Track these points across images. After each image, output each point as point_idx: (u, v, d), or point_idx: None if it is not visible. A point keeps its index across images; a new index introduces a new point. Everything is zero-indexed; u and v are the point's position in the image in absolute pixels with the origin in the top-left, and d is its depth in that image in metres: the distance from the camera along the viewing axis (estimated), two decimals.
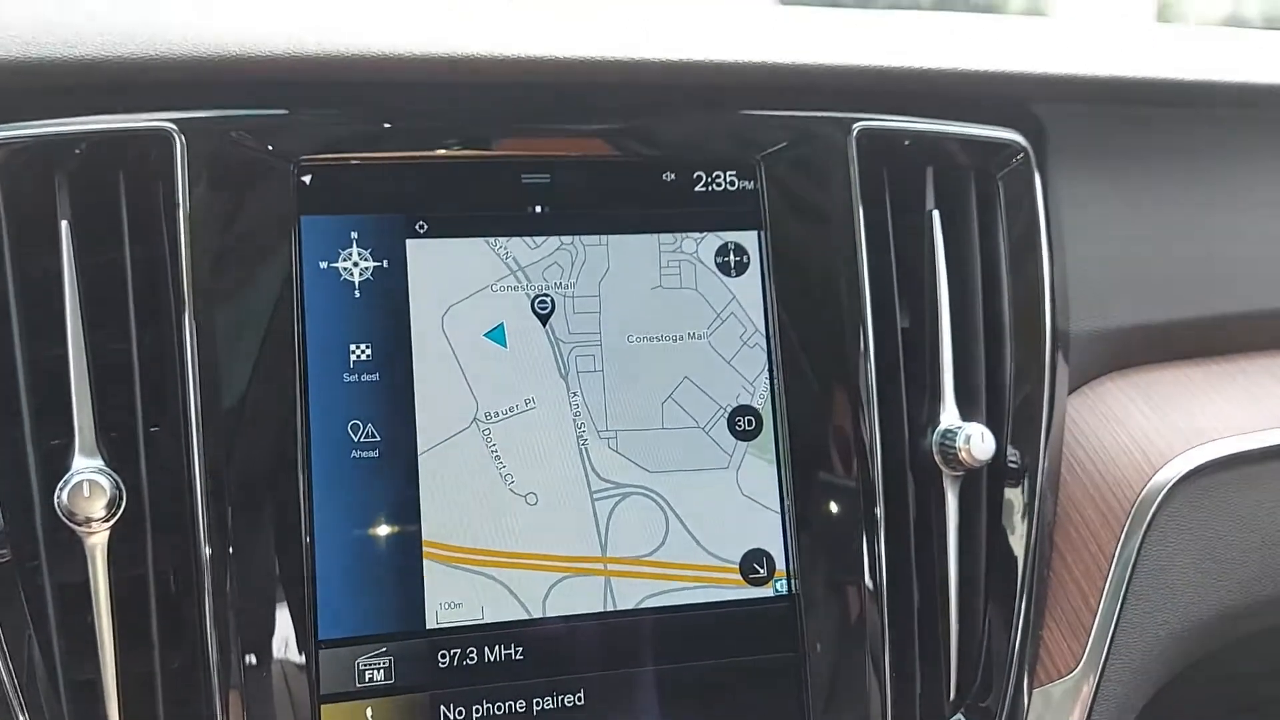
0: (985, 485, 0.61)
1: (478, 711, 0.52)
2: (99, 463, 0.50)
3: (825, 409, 0.58)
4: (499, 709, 0.52)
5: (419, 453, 0.53)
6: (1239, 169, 0.73)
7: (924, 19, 0.73)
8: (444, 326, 0.54)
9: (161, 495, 0.51)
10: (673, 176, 0.58)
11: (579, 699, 0.53)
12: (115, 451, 0.51)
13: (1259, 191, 0.73)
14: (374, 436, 0.53)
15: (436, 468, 0.53)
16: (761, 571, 0.56)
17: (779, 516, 0.56)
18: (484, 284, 0.55)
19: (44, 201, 0.52)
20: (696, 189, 0.58)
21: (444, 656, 0.52)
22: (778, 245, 0.58)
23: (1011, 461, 0.62)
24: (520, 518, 0.54)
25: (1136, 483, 0.63)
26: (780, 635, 0.56)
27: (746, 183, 0.59)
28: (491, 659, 0.53)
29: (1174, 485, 0.63)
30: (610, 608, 0.54)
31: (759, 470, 0.57)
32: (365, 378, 0.53)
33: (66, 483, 0.49)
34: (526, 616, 0.53)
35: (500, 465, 0.54)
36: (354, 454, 0.52)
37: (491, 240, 0.55)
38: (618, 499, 0.55)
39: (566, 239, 0.56)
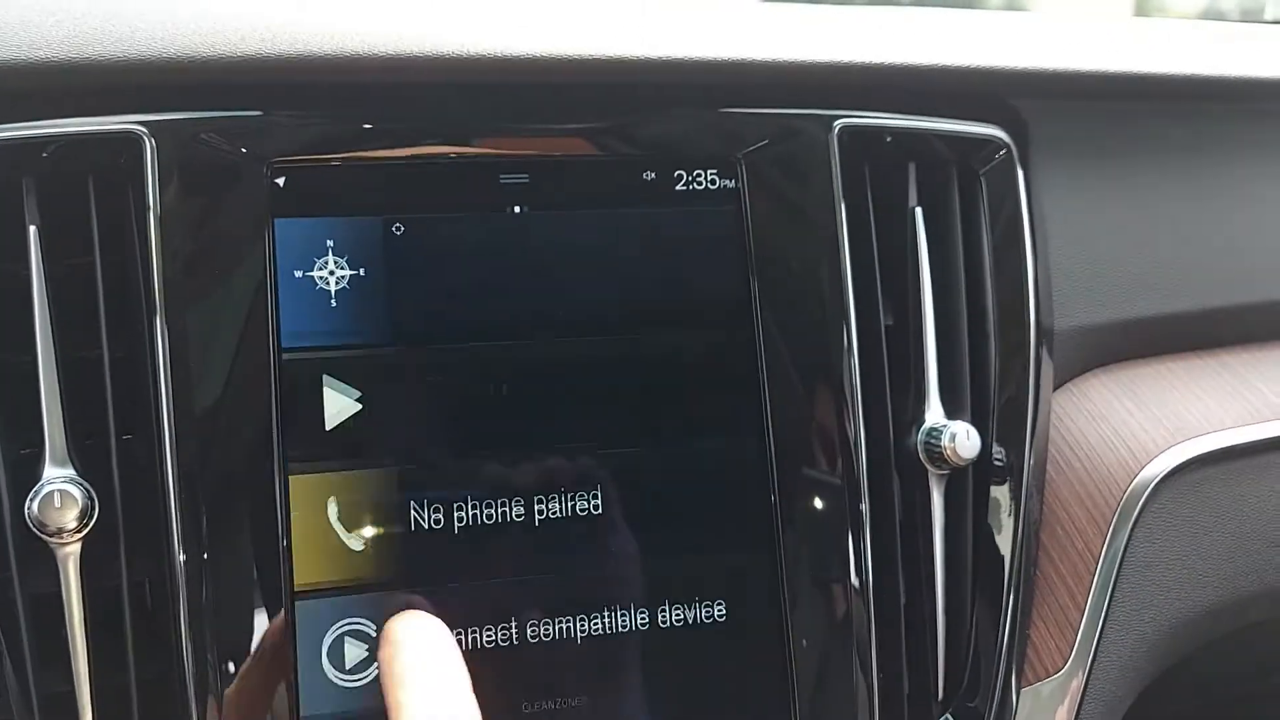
0: (971, 483, 0.61)
1: None
2: (70, 472, 0.49)
3: (809, 408, 0.57)
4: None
5: None
6: (1222, 163, 0.73)
7: (904, 15, 0.73)
8: None
9: (135, 504, 0.50)
10: (653, 175, 0.58)
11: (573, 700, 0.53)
12: (87, 460, 0.50)
13: (1243, 185, 0.73)
14: None
15: None
16: None
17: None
18: None
19: (12, 206, 0.51)
20: (677, 188, 0.58)
21: None
22: (759, 243, 0.58)
23: (997, 459, 0.61)
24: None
25: (1122, 479, 0.63)
26: (765, 632, 0.55)
27: (728, 181, 0.58)
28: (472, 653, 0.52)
29: (1160, 481, 0.63)
30: None
31: None
32: None
33: (37, 493, 0.48)
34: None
35: None
36: None
37: None
38: None
39: None
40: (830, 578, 0.57)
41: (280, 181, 0.53)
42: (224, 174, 0.52)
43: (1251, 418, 0.67)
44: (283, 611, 0.50)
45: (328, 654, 0.51)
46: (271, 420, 0.51)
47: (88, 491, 0.49)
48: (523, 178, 0.56)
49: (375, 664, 0.51)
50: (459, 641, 0.51)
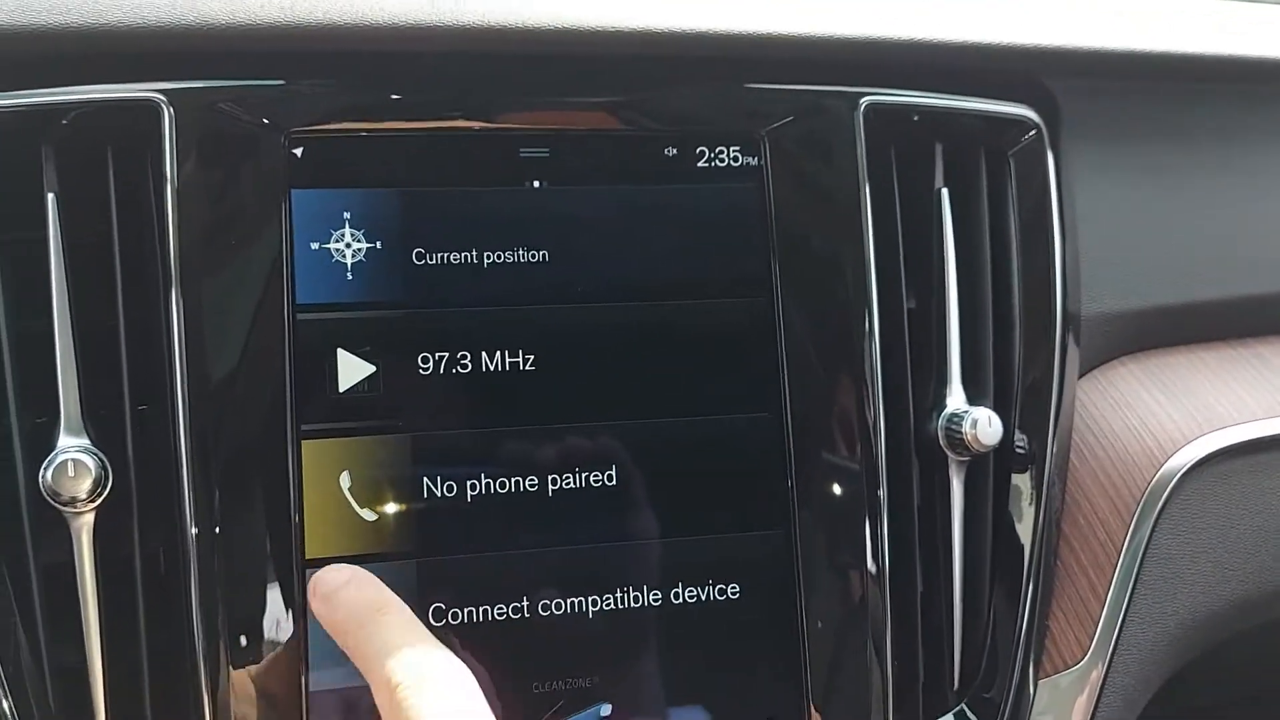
0: (992, 471, 0.60)
1: None
2: (85, 441, 0.49)
3: (829, 389, 0.57)
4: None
5: None
6: (1260, 148, 0.71)
7: None
8: None
9: (148, 475, 0.50)
10: (674, 151, 0.57)
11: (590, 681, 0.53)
12: (101, 430, 0.50)
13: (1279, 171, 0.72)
14: None
15: None
16: None
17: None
18: None
19: (31, 173, 0.51)
20: (699, 165, 0.57)
21: None
22: (782, 222, 0.57)
23: (1019, 447, 0.61)
24: None
25: (1148, 470, 0.62)
26: (779, 616, 0.55)
27: (750, 158, 0.58)
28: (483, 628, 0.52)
29: (1186, 472, 0.62)
30: None
31: None
32: None
33: (51, 462, 0.48)
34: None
35: None
36: None
37: None
38: None
39: None
40: (846, 562, 0.56)
41: (298, 152, 0.52)
42: (242, 144, 0.52)
43: None
44: (295, 583, 0.50)
45: None
46: (285, 392, 0.51)
47: (101, 461, 0.49)
48: (543, 151, 0.55)
49: None
50: (469, 616, 0.51)
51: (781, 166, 0.57)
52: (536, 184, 0.55)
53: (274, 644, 0.50)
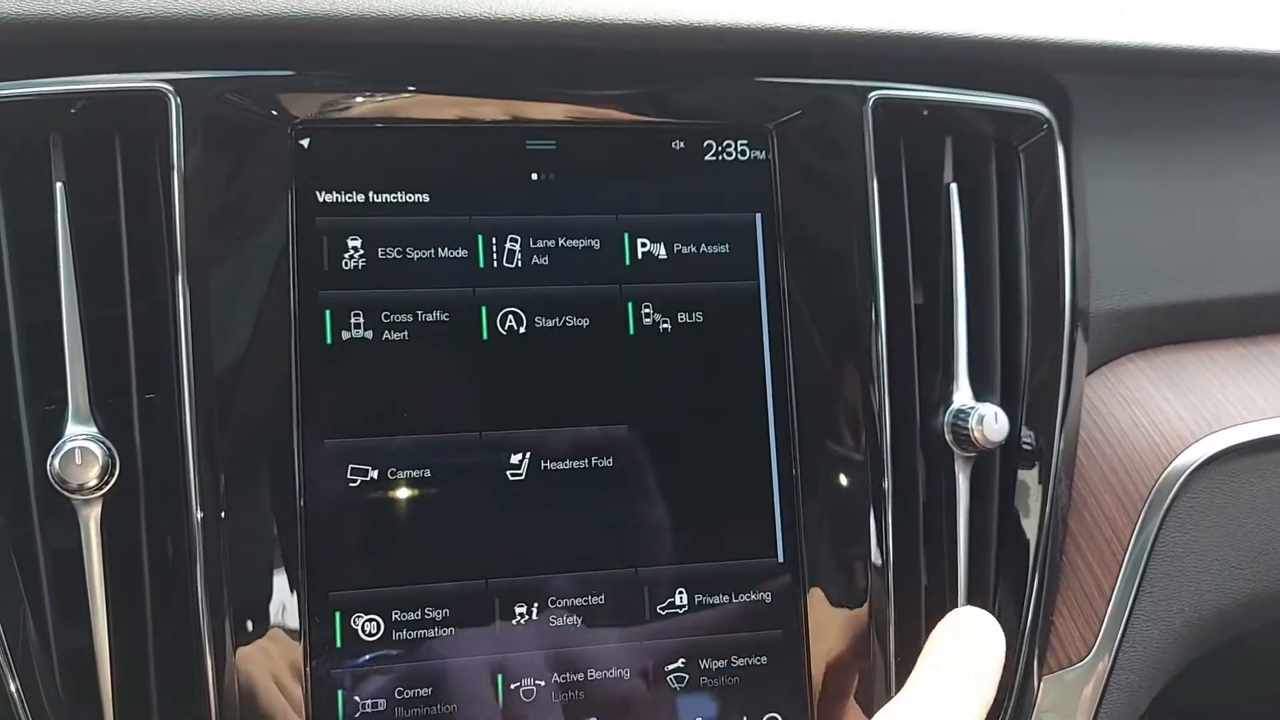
0: (998, 467, 0.60)
1: None
2: (92, 429, 0.50)
3: (835, 383, 0.57)
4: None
5: None
6: (1272, 144, 0.70)
7: None
8: None
9: (156, 462, 0.51)
10: (682, 145, 0.57)
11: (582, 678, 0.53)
12: (109, 418, 0.50)
13: None
14: None
15: None
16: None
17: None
18: None
19: (39, 162, 0.51)
20: (706, 158, 0.57)
21: None
22: (789, 216, 0.57)
23: (1026, 443, 0.60)
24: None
25: (1155, 467, 0.61)
26: (781, 608, 0.55)
27: (758, 152, 0.57)
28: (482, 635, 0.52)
29: (1194, 471, 0.61)
30: None
31: None
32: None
33: (59, 450, 0.48)
34: None
35: None
36: None
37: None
38: None
39: None
40: (851, 555, 0.56)
41: (305, 143, 0.52)
42: (248, 134, 0.52)
43: None
44: (299, 568, 0.50)
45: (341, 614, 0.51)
46: (292, 381, 0.51)
47: (109, 449, 0.49)
48: (549, 144, 0.55)
49: (384, 625, 0.51)
50: (465, 616, 0.52)
51: (789, 160, 0.57)
52: (537, 176, 0.55)
53: (279, 628, 0.50)
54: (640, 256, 0.55)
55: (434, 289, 0.53)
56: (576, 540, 0.54)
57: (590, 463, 0.54)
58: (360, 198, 0.53)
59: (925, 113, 0.60)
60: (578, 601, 0.53)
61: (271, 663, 0.50)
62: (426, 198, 0.54)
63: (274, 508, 0.50)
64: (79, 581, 0.49)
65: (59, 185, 0.51)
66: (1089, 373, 0.64)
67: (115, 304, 0.51)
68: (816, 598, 0.55)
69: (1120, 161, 0.66)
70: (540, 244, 0.54)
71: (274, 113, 0.52)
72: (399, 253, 0.53)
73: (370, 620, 0.51)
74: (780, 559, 0.55)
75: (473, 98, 0.55)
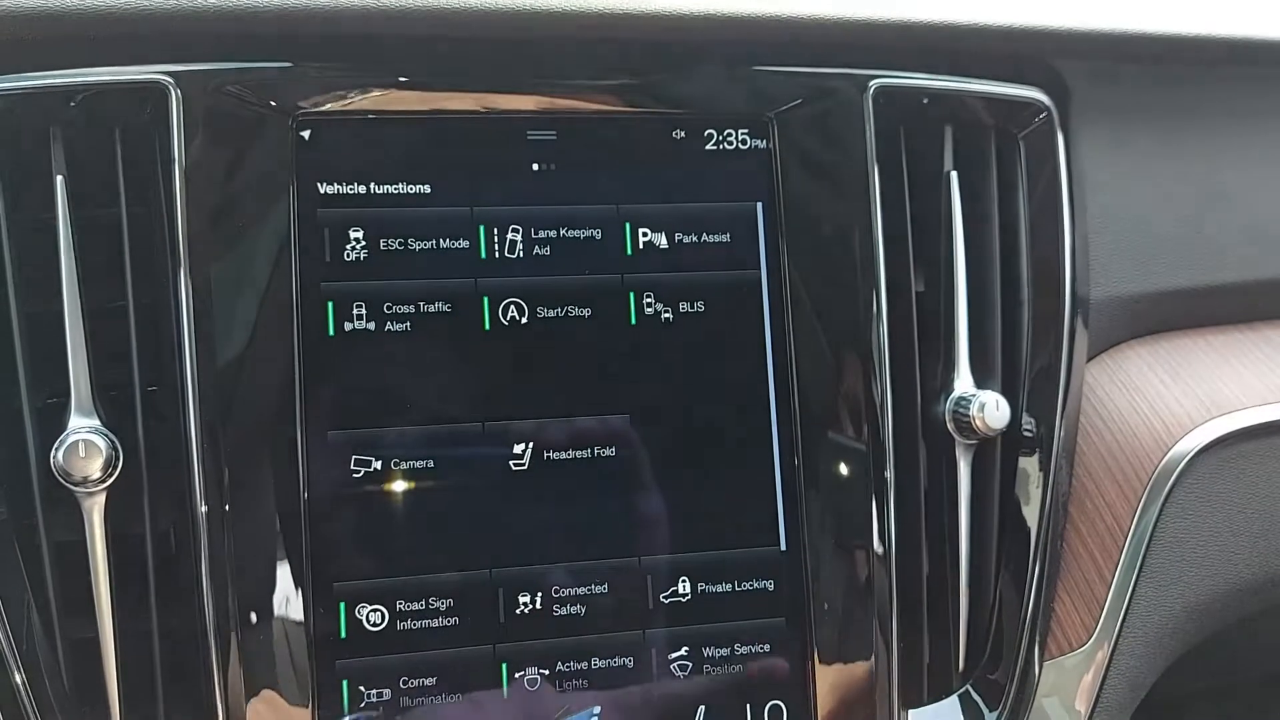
0: (999, 454, 0.60)
1: None
2: (95, 422, 0.50)
3: (836, 371, 0.57)
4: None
5: None
6: (1271, 130, 0.71)
7: None
8: None
9: (159, 455, 0.51)
10: (683, 134, 0.57)
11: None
12: (112, 411, 0.51)
13: None
14: None
15: None
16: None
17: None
18: None
19: (39, 155, 0.51)
20: (707, 147, 0.57)
21: None
22: (790, 206, 0.57)
23: (1026, 430, 0.60)
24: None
25: (1155, 453, 0.62)
26: (784, 596, 0.55)
27: (759, 141, 0.57)
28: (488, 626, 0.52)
29: (1194, 456, 0.61)
30: None
31: None
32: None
33: (62, 443, 0.48)
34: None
35: None
36: None
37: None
38: None
39: None
40: (853, 543, 0.56)
41: (305, 134, 0.52)
42: (249, 126, 0.52)
43: None
44: (303, 559, 0.50)
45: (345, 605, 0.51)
46: (294, 373, 0.51)
47: (112, 441, 0.49)
48: (550, 134, 0.55)
49: (389, 615, 0.51)
50: (469, 606, 0.52)
51: (790, 149, 0.57)
52: (538, 167, 0.55)
53: (283, 619, 0.50)
54: (642, 246, 0.56)
55: (436, 280, 0.53)
56: (579, 530, 0.54)
57: (593, 452, 0.54)
58: (362, 189, 0.53)
59: (925, 101, 0.60)
60: (581, 590, 0.53)
61: (276, 653, 0.50)
62: (428, 188, 0.54)
63: (277, 499, 0.51)
64: (83, 574, 0.49)
65: (59, 178, 0.50)
66: (1089, 359, 0.64)
67: (117, 296, 0.51)
68: (818, 585, 0.55)
69: (1119, 149, 0.66)
70: (542, 234, 0.54)
71: (274, 104, 0.52)
72: (401, 244, 0.53)
73: (375, 610, 0.51)
74: (782, 547, 0.56)
75: (474, 89, 0.55)
